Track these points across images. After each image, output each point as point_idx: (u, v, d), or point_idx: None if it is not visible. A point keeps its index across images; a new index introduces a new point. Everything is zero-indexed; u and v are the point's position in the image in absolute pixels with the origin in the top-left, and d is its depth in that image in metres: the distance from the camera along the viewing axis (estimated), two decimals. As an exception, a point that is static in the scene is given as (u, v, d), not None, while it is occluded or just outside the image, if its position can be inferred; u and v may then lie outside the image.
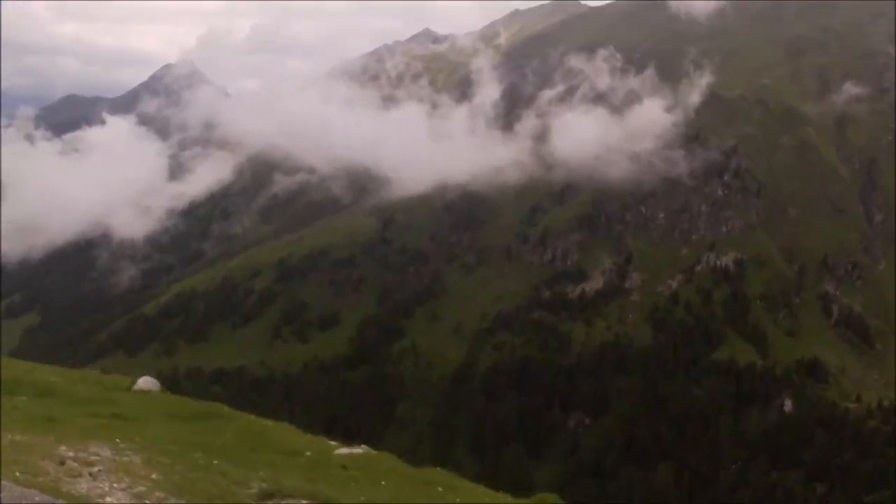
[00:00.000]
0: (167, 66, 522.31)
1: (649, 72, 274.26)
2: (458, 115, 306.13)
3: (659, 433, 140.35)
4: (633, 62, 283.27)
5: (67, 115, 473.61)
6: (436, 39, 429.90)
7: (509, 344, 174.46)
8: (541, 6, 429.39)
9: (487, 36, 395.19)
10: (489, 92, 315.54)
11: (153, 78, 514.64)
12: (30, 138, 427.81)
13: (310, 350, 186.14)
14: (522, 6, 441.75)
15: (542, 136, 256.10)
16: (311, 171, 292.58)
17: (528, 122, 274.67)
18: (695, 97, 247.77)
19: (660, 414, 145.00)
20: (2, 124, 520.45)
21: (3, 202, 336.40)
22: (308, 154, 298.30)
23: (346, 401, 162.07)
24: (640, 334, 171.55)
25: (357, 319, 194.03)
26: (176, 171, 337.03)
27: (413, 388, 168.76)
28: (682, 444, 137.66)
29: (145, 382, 26.10)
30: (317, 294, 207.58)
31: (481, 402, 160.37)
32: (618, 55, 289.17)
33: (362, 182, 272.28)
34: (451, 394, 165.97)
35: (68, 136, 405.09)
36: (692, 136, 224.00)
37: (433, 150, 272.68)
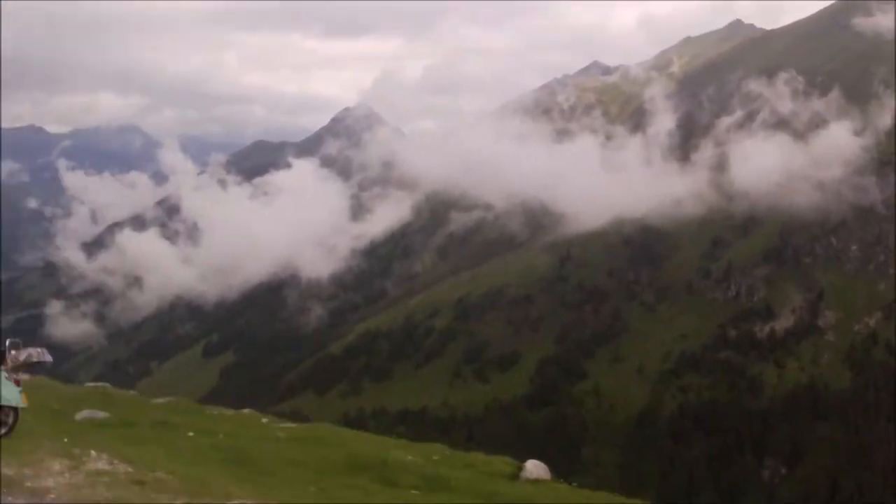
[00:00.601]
0: (346, 110, 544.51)
1: (834, 94, 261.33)
2: (633, 146, 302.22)
3: (865, 486, 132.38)
4: (816, 85, 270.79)
5: (256, 160, 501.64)
6: (606, 71, 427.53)
7: (695, 386, 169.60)
8: (713, 32, 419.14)
9: (660, 64, 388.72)
10: (664, 121, 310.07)
11: (334, 121, 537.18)
12: (222, 183, 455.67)
13: (490, 390, 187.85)
14: (694, 32, 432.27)
15: (720, 166, 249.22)
16: (487, 207, 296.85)
17: (705, 152, 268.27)
18: (886, 119, 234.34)
19: (865, 464, 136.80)
20: (197, 171, 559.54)
21: (200, 245, 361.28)
22: (484, 190, 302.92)
23: (528, 442, 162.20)
24: (837, 377, 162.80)
25: (536, 359, 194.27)
26: (357, 210, 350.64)
27: (596, 431, 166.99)
28: (894, 499, 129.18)
29: (535, 468, 23.08)
30: (495, 333, 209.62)
31: (668, 445, 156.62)
32: (799, 78, 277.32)
33: (538, 218, 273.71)
34: (636, 437, 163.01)
35: (258, 181, 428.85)
36: (884, 160, 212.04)
37: (608, 182, 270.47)
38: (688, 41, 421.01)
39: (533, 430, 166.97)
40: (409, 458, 22.78)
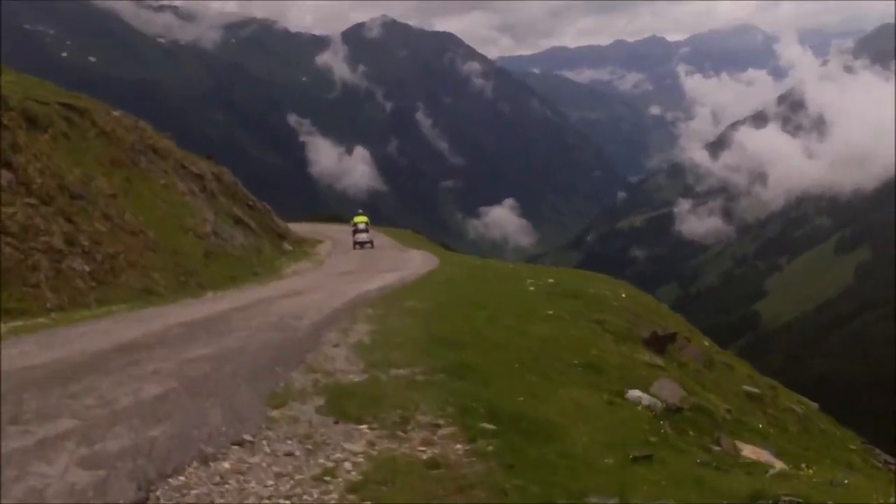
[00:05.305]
0: None
1: None
2: None
3: None
4: None
5: (885, 44, 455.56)
6: None
7: None
8: None
9: None
10: None
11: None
12: (849, 69, 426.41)
13: None
14: None
15: None
16: None
17: None
18: None
19: None
20: (818, 62, 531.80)
21: (827, 136, 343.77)
22: None
23: None
24: None
25: None
26: None
27: None
28: None
29: None
30: None
31: None
32: None
33: None
34: None
35: (891, 64, 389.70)
36: None
37: None
38: None
39: None
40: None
